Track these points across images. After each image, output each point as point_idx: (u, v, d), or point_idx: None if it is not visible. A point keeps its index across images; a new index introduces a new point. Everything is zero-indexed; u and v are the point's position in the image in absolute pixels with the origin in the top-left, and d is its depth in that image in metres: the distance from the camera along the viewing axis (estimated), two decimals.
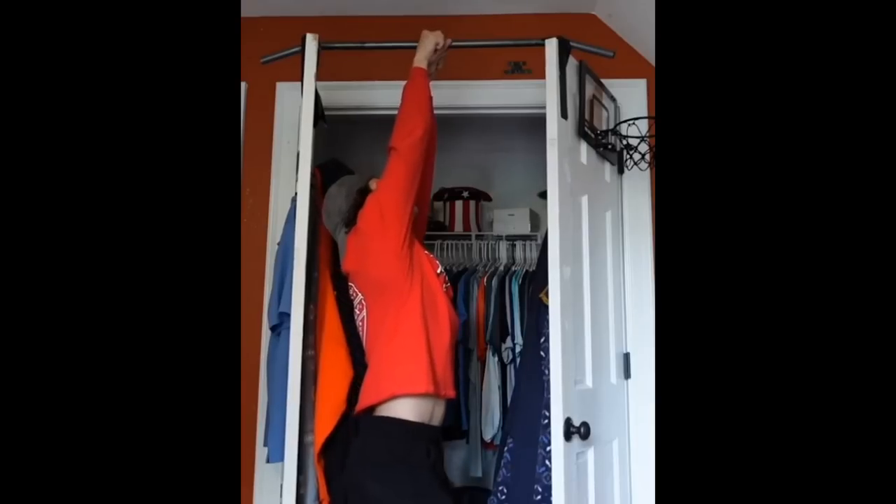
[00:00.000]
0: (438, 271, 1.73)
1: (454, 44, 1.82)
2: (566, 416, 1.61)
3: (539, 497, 1.77)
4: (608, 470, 1.97)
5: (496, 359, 2.78)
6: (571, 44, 1.79)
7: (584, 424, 1.64)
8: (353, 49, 2.00)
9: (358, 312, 1.72)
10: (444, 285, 1.72)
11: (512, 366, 2.85)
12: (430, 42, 1.79)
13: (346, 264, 1.72)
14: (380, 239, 1.62)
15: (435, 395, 1.58)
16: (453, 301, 1.78)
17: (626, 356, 2.16)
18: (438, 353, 1.61)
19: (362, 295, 1.70)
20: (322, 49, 1.82)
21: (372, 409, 1.58)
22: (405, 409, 1.56)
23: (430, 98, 1.72)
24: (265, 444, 1.95)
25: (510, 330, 2.87)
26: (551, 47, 1.74)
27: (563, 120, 1.76)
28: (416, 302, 1.61)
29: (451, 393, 1.65)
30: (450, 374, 1.66)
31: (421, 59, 1.77)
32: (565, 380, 1.62)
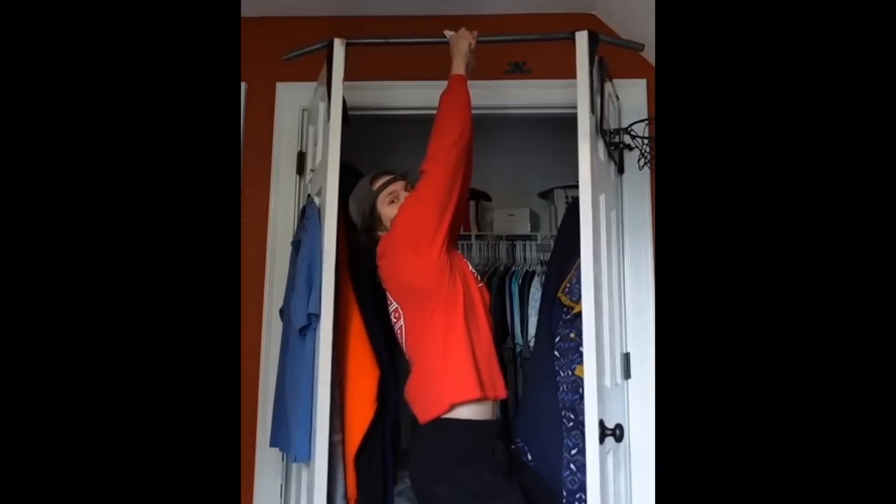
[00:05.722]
0: (472, 270, 1.73)
1: (478, 39, 1.80)
2: (599, 419, 1.57)
3: (564, 502, 1.75)
4: (617, 470, 1.96)
5: None
6: (600, 37, 1.76)
7: (619, 426, 1.61)
8: (377, 45, 1.99)
9: (395, 321, 1.71)
10: (478, 284, 1.72)
11: (512, 366, 2.85)
12: (464, 45, 1.72)
13: (380, 270, 1.71)
14: (416, 250, 1.60)
15: (485, 398, 1.59)
16: (489, 300, 1.78)
17: (627, 356, 2.16)
18: (482, 356, 1.62)
19: (397, 303, 1.69)
20: (347, 45, 1.79)
21: (435, 418, 1.58)
22: (465, 412, 1.56)
23: (470, 104, 1.67)
24: (272, 445, 1.95)
25: (510, 330, 2.87)
26: (581, 40, 1.71)
27: (592, 115, 1.73)
28: (460, 308, 1.60)
29: (502, 394, 1.65)
30: (497, 374, 1.66)
31: (460, 66, 1.70)
32: (599, 381, 1.58)
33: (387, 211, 1.75)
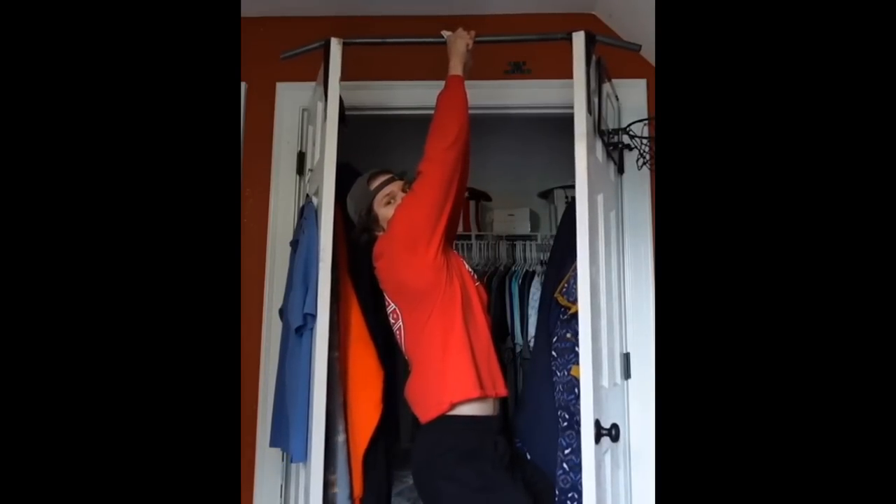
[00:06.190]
0: (468, 269, 1.74)
1: (475, 40, 1.79)
2: (595, 418, 1.56)
3: (556, 501, 1.76)
4: (615, 470, 1.97)
5: None
6: (597, 38, 1.76)
7: (615, 426, 1.61)
8: (374, 44, 1.99)
9: (393, 321, 1.72)
10: (475, 283, 1.73)
11: (512, 366, 2.85)
12: (461, 45, 1.71)
13: (378, 271, 1.71)
14: (413, 251, 1.60)
15: (486, 397, 1.60)
16: (486, 299, 1.79)
17: (627, 356, 2.16)
18: (481, 355, 1.62)
19: (395, 304, 1.70)
20: (344, 45, 1.79)
21: (436, 417, 1.59)
22: (467, 409, 1.57)
23: (467, 105, 1.66)
24: (272, 445, 1.95)
25: (510, 330, 2.87)
26: (578, 41, 1.71)
27: (590, 115, 1.73)
28: (458, 308, 1.61)
29: (502, 391, 1.65)
30: (497, 372, 1.66)
31: (457, 66, 1.70)
32: (595, 381, 1.58)
33: (383, 212, 1.75)
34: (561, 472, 1.77)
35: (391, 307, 1.71)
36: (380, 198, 1.75)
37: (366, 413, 1.76)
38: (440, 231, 1.59)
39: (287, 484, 2.10)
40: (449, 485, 1.52)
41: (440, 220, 1.59)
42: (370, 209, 1.76)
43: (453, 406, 1.56)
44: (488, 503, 1.49)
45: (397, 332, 1.71)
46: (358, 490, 1.75)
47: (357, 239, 1.81)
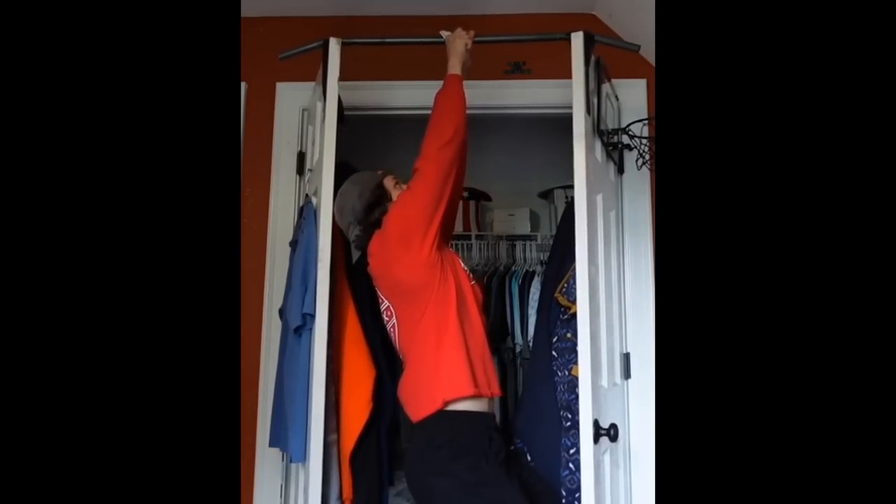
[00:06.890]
0: (464, 267, 1.74)
1: (475, 40, 1.78)
2: (594, 418, 1.57)
3: (564, 501, 1.76)
4: (615, 469, 1.97)
5: (496, 359, 2.78)
6: (596, 38, 1.77)
7: (613, 426, 1.61)
8: (373, 44, 1.99)
9: (387, 319, 1.72)
10: (471, 282, 1.73)
11: (512, 366, 2.85)
12: (460, 45, 1.73)
13: (372, 268, 1.72)
14: (407, 247, 1.61)
15: (480, 395, 1.60)
16: (482, 298, 1.80)
17: (627, 356, 2.16)
18: (476, 353, 1.62)
19: (389, 302, 1.69)
20: (343, 45, 1.80)
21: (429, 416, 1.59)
22: (462, 405, 1.57)
23: (465, 104, 1.68)
24: (272, 445, 1.95)
25: (510, 330, 2.87)
26: (577, 41, 1.72)
27: (588, 116, 1.73)
28: (452, 305, 1.61)
29: (497, 391, 1.66)
30: (492, 372, 1.66)
31: (456, 65, 1.72)
32: (594, 381, 1.59)
33: (393, 192, 1.76)
34: (567, 472, 1.76)
35: (384, 304, 1.71)
36: (389, 178, 1.78)
37: (354, 412, 1.76)
38: (435, 228, 1.60)
39: (287, 484, 2.10)
40: (442, 480, 1.51)
41: (435, 216, 1.60)
42: (380, 184, 1.77)
43: (447, 404, 1.56)
44: (482, 498, 1.48)
45: (391, 329, 1.71)
46: (347, 491, 1.74)
47: (357, 231, 1.79)
